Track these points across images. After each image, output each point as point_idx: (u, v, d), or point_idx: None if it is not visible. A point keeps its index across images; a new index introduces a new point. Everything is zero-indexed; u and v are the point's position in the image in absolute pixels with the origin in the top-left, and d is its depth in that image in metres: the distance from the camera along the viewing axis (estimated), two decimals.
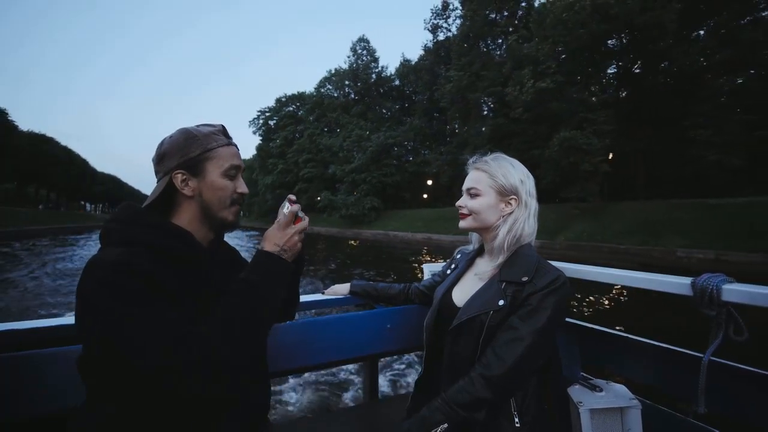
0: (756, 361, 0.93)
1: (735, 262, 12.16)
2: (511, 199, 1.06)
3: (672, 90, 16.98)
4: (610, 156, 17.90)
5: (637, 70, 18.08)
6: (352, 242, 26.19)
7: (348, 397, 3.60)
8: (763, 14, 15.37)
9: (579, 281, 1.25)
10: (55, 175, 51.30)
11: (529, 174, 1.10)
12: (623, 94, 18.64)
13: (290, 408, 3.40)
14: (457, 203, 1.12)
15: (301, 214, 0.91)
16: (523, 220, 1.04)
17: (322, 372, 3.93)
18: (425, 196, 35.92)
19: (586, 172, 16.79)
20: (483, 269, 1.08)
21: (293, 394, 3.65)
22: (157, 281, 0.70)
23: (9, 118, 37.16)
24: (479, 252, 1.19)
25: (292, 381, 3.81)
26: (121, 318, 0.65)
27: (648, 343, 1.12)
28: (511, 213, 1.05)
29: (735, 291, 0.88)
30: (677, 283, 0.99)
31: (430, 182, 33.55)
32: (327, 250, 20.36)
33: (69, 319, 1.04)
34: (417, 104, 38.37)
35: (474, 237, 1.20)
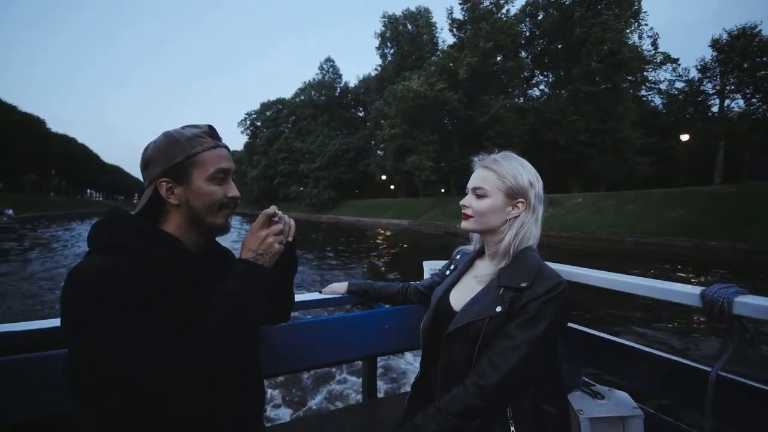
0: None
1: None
2: (518, 202, 1.00)
3: (471, 136, 28.72)
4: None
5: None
6: (323, 225, 36.55)
7: (346, 396, 3.57)
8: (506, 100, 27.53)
9: (580, 286, 1.22)
10: (76, 169, 62.20)
11: (539, 176, 1.04)
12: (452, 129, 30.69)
13: (288, 409, 3.36)
14: (462, 202, 1.05)
15: (277, 218, 0.86)
16: (530, 225, 0.99)
17: (320, 371, 3.83)
18: (392, 187, 45.60)
19: (425, 180, 29.11)
20: (483, 272, 1.04)
21: (291, 395, 3.59)
22: (144, 290, 0.67)
23: (47, 126, 47.68)
24: (479, 253, 1.14)
25: (289, 381, 3.76)
26: (104, 330, 0.62)
27: (653, 354, 1.07)
28: (517, 217, 1.00)
29: (747, 304, 0.82)
30: (686, 294, 0.95)
31: (384, 177, 44.13)
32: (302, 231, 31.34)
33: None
34: (368, 116, 48.70)
35: (475, 237, 1.15)
